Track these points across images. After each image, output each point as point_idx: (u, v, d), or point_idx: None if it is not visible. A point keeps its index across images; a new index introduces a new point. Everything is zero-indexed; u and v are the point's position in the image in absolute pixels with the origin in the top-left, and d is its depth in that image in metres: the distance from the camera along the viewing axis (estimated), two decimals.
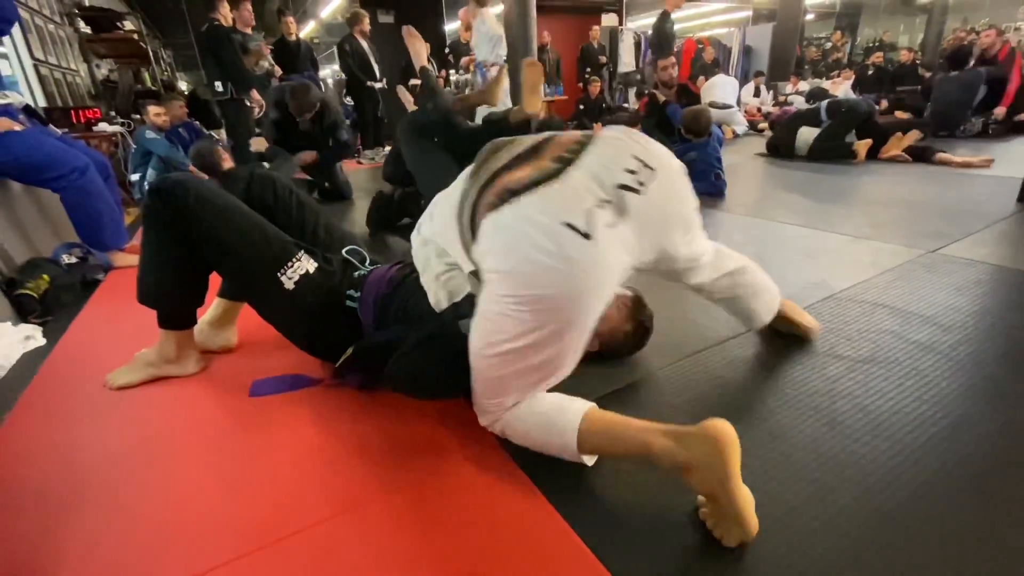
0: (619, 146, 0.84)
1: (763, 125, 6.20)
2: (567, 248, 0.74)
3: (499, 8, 4.25)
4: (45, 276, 1.88)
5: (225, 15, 4.00)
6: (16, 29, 3.58)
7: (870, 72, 7.44)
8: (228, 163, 3.33)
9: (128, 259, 2.22)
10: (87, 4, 5.11)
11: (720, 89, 5.97)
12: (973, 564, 0.70)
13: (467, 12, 4.34)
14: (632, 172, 0.81)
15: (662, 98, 3.69)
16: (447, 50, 7.29)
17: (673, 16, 6.10)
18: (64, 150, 2.09)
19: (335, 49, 5.56)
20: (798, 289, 1.62)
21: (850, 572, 0.70)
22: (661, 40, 5.62)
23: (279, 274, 1.09)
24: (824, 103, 4.15)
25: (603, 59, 8.01)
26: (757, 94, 7.50)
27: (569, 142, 0.84)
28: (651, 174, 0.82)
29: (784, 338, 1.32)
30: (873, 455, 0.90)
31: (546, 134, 0.89)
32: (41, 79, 3.82)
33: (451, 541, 0.78)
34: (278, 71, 4.73)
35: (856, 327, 1.36)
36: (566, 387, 1.13)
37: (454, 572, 0.73)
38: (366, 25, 4.99)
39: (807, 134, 4.11)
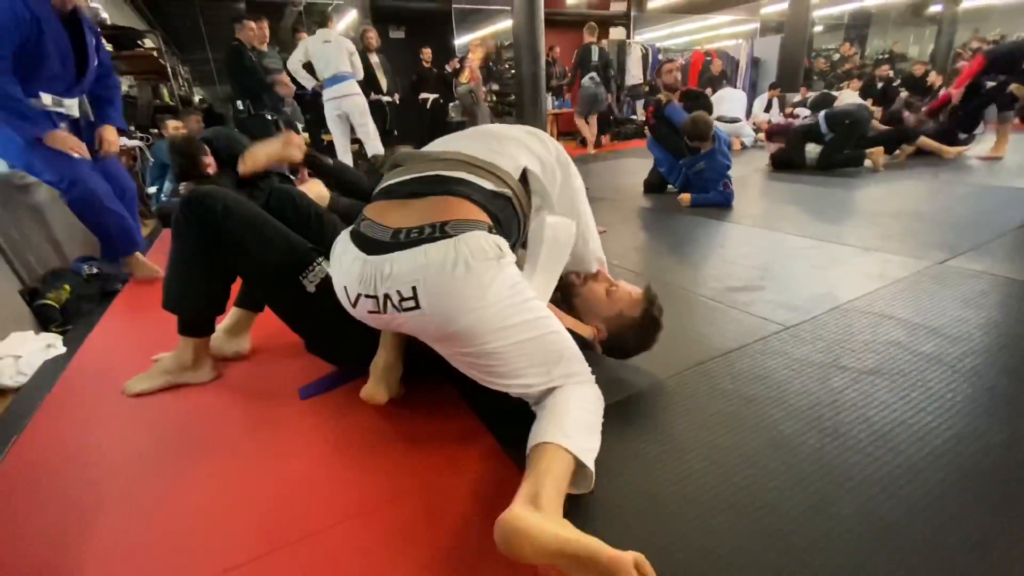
0: None
1: (758, 136, 6.13)
2: None
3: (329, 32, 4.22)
4: (66, 287, 1.93)
5: (247, 36, 4.08)
6: None
7: (879, 85, 7.42)
8: (212, 168, 2.88)
9: (146, 270, 2.26)
10: (108, 23, 5.27)
11: (728, 102, 6.00)
12: None
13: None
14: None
15: (664, 100, 3.70)
16: (457, 65, 7.39)
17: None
18: (52, 162, 1.93)
19: None
20: (804, 301, 1.62)
21: None
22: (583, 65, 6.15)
23: (301, 278, 1.14)
24: (822, 115, 4.16)
25: (611, 72, 8.07)
26: (769, 108, 7.49)
27: None
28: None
29: (789, 351, 1.33)
30: (875, 466, 0.91)
31: None
32: None
33: (457, 544, 0.80)
34: (292, 90, 4.83)
35: (862, 339, 1.36)
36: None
37: (454, 568, 0.75)
38: (371, 40, 5.10)
39: (814, 150, 4.15)
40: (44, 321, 1.81)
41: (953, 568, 0.72)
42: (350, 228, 0.98)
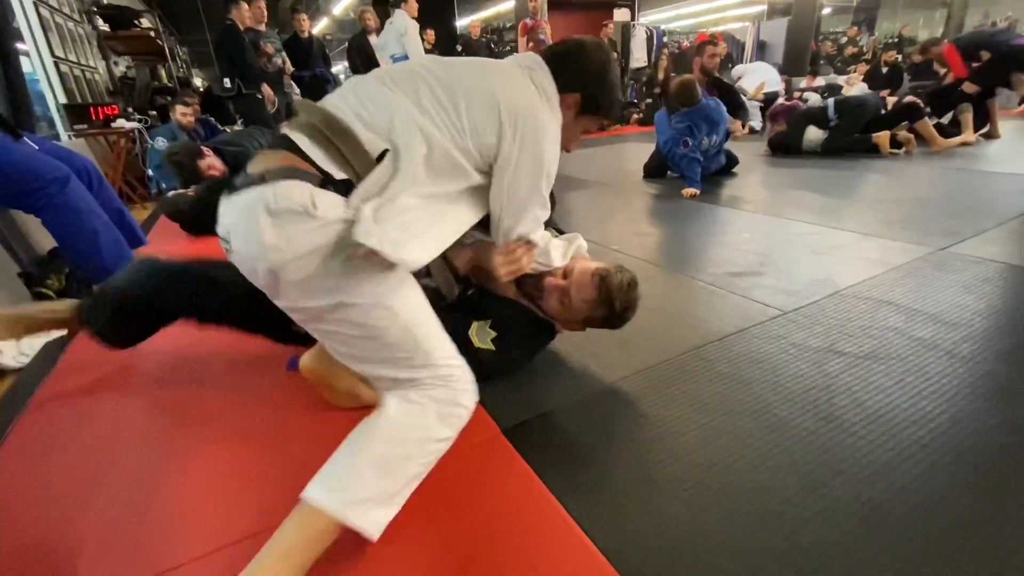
0: None
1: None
2: None
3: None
4: (60, 277, 1.92)
5: (242, 16, 4.05)
6: (38, 27, 3.66)
7: (884, 71, 7.31)
8: (215, 169, 2.87)
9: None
10: (105, 2, 5.20)
11: (754, 75, 5.95)
12: (962, 557, 0.71)
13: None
14: None
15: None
16: (459, 47, 7.30)
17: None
18: (39, 159, 1.71)
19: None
20: (803, 286, 1.62)
21: (841, 561, 0.71)
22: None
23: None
24: (831, 101, 4.13)
25: (614, 55, 7.98)
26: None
27: None
28: None
29: (786, 335, 1.33)
30: (868, 449, 0.91)
31: None
32: (61, 76, 3.90)
33: (452, 527, 0.81)
34: (290, 68, 4.78)
35: (859, 324, 1.36)
36: (574, 375, 1.16)
37: (455, 557, 0.76)
38: (368, 21, 5.05)
39: (814, 133, 4.11)
40: None
41: (939, 548, 0.73)
42: None
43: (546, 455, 0.94)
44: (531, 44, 5.64)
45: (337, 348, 0.84)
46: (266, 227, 0.73)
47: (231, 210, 0.80)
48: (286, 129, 0.85)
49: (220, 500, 0.90)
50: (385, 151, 0.80)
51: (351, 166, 0.79)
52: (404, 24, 4.30)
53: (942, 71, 5.56)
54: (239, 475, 0.96)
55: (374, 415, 0.79)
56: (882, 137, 3.87)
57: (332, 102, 0.86)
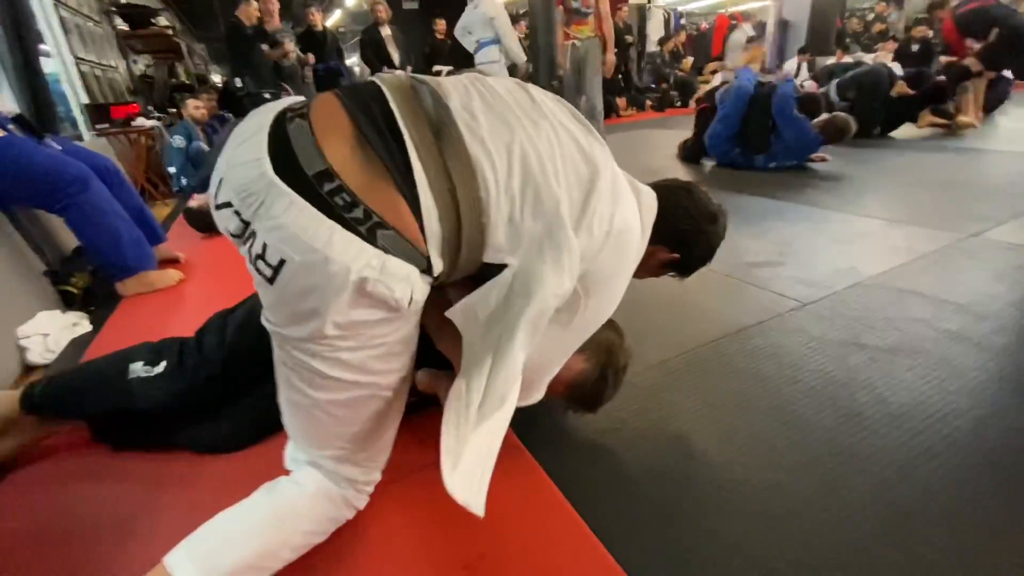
0: None
1: None
2: None
3: None
4: (88, 271, 1.97)
5: (248, 14, 4.07)
6: (58, 28, 3.73)
7: (914, 48, 6.99)
8: None
9: (167, 253, 2.28)
10: (123, 1, 5.28)
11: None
12: (991, 562, 0.68)
13: None
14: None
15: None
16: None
17: None
18: (60, 160, 1.74)
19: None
20: (824, 276, 1.57)
21: (858, 565, 0.69)
22: None
23: None
24: (833, 84, 3.99)
25: (629, 38, 7.81)
26: (798, 74, 7.17)
27: None
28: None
29: (806, 328, 1.29)
30: (892, 447, 0.88)
31: None
32: (83, 76, 3.98)
33: (461, 526, 0.81)
34: (311, 58, 4.79)
35: (883, 315, 1.32)
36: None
37: (463, 556, 0.76)
38: (380, 13, 5.02)
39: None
40: (67, 302, 1.87)
41: (966, 554, 0.70)
42: (280, 110, 0.62)
43: (556, 452, 0.93)
44: (564, 14, 4.36)
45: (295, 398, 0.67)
46: (343, 302, 0.55)
47: (305, 235, 0.54)
48: (403, 124, 0.57)
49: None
50: (503, 266, 0.58)
51: (456, 260, 0.59)
52: (495, 9, 4.18)
53: (974, 46, 5.30)
54: (269, 461, 0.97)
55: (288, 490, 0.70)
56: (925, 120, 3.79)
57: (475, 134, 0.58)
